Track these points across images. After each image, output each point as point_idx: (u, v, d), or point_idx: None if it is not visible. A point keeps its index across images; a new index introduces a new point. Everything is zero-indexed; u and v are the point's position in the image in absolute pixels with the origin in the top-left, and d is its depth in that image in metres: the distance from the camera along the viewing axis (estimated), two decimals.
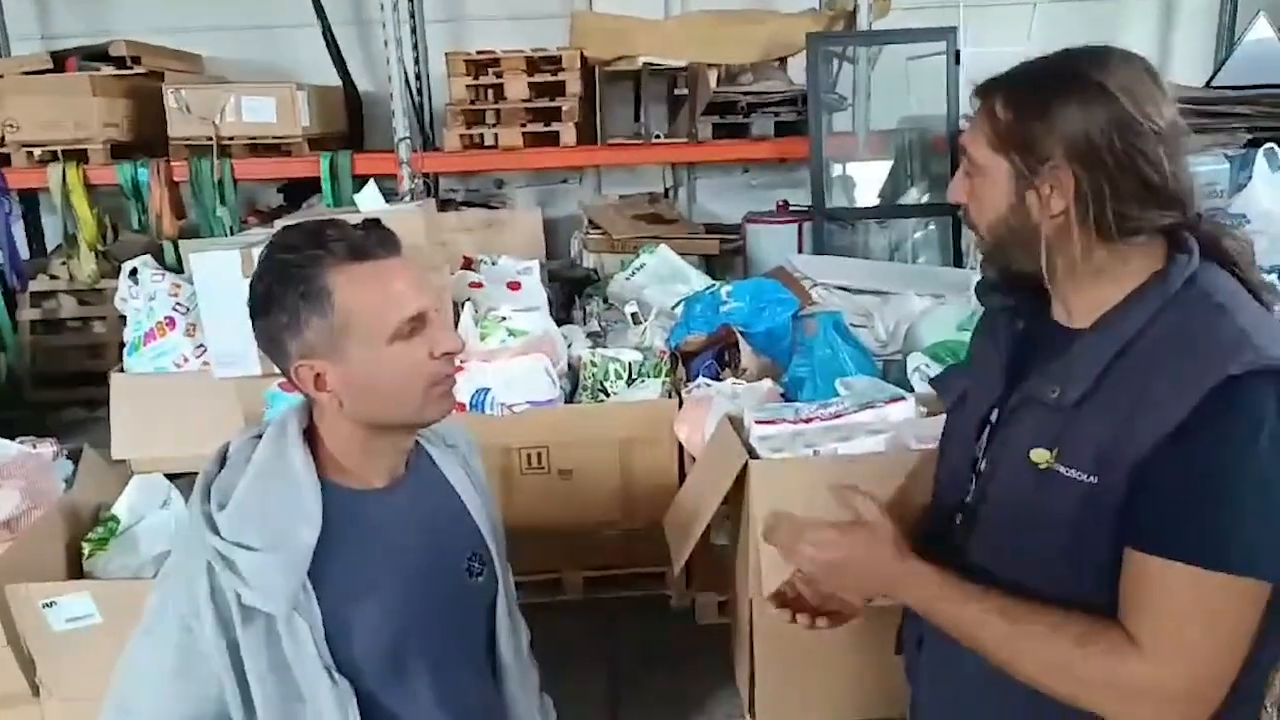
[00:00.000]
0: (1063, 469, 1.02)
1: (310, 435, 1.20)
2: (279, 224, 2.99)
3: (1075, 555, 1.02)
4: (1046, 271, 1.07)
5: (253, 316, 1.15)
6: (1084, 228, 1.02)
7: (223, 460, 1.19)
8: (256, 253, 1.51)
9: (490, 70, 4.96)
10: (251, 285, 1.15)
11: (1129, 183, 1.00)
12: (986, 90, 1.08)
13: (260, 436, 1.19)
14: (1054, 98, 1.01)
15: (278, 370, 1.17)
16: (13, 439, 2.43)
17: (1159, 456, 0.95)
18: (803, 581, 1.29)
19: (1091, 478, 0.99)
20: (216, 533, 1.10)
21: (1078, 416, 1.02)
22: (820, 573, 1.17)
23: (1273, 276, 2.62)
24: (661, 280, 4.02)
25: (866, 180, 5.04)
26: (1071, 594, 1.02)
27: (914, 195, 4.94)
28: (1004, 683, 1.08)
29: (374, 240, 1.13)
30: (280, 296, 1.11)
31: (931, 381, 2.68)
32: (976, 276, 3.27)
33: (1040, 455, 1.04)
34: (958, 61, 4.56)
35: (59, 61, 4.79)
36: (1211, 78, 4.52)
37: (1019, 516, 1.07)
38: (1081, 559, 1.02)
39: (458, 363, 1.22)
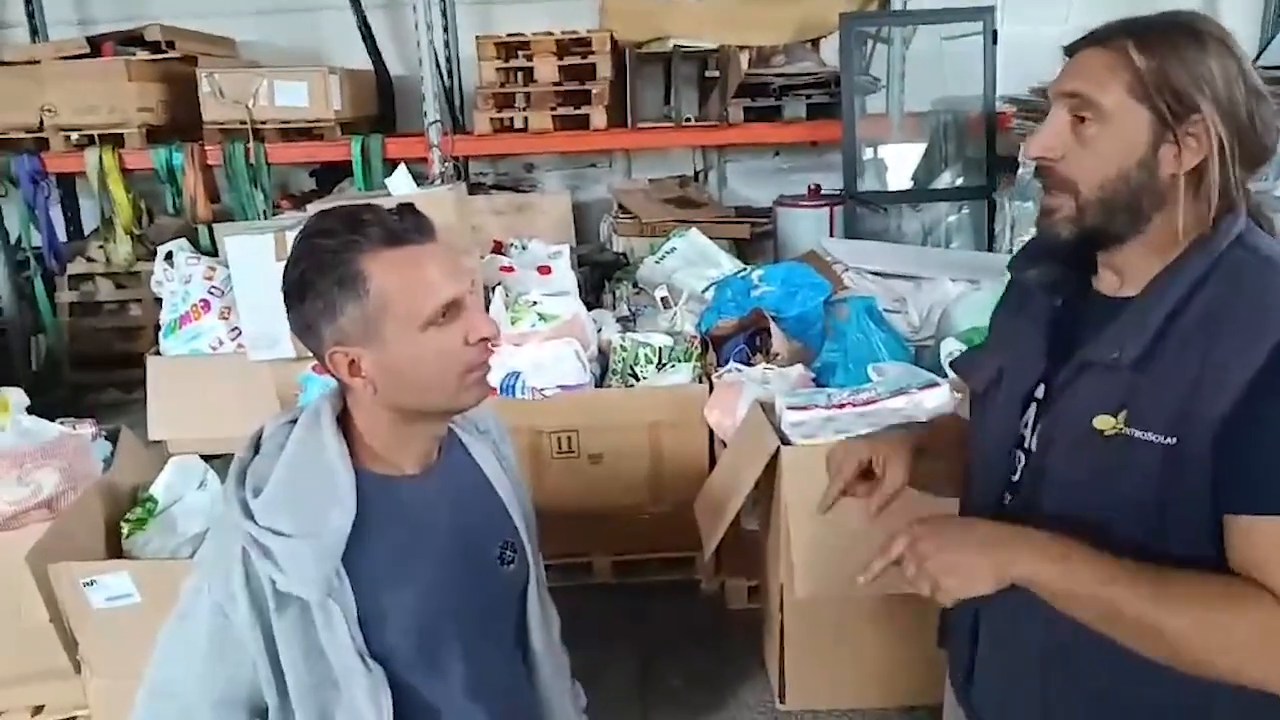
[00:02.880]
0: (1136, 433, 1.00)
1: (344, 421, 1.20)
2: (311, 208, 3.01)
3: (1161, 518, 1.00)
4: (1138, 233, 1.04)
5: (287, 302, 1.14)
6: (1206, 185, 1.01)
7: (257, 445, 1.19)
8: (290, 236, 1.51)
9: (520, 53, 4.97)
10: (286, 271, 1.14)
11: (1249, 141, 1.01)
12: (1108, 36, 1.03)
13: (294, 422, 1.19)
14: (1191, 48, 1.00)
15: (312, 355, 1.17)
16: (52, 420, 2.47)
17: (1237, 417, 0.94)
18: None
19: (1170, 439, 0.98)
20: (251, 518, 1.10)
21: (1142, 379, 1.01)
22: (935, 527, 1.07)
23: None
24: (691, 264, 4.00)
25: (900, 163, 4.98)
26: (1157, 558, 1.00)
27: (948, 179, 4.87)
28: (1075, 670, 1.07)
29: (409, 226, 1.12)
30: (315, 282, 1.10)
31: (953, 365, 2.65)
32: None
33: (1106, 422, 1.02)
34: (995, 42, 4.49)
35: (95, 46, 4.85)
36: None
37: (1090, 486, 1.04)
38: (1167, 521, 1.00)
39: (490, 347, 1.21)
